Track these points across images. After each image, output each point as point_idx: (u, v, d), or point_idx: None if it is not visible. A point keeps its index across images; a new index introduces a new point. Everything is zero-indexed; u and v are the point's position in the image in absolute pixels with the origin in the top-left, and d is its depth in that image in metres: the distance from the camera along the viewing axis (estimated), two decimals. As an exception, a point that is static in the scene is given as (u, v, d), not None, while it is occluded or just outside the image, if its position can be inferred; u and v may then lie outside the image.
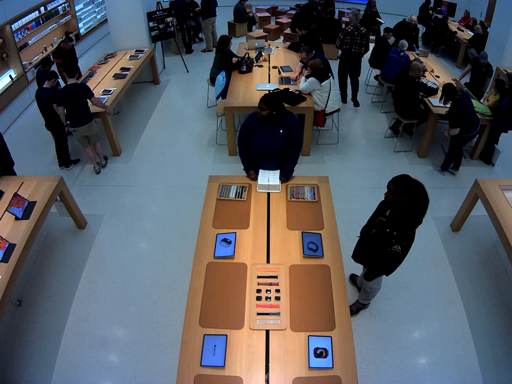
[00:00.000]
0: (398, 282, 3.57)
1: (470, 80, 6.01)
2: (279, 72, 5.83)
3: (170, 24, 7.58)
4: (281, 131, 3.24)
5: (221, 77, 5.38)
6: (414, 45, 7.59)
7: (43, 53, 7.56)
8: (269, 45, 7.09)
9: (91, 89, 4.60)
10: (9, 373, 2.94)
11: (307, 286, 2.54)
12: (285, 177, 3.41)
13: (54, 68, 5.80)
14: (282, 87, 5.33)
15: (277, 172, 3.43)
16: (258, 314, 2.37)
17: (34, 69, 6.93)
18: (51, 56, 7.50)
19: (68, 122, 4.61)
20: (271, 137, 3.26)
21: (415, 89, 5.00)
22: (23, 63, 6.74)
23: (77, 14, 8.83)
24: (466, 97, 4.41)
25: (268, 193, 3.31)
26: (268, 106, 3.11)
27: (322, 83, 4.90)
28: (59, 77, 4.91)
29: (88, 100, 4.55)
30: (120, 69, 6.17)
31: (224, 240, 2.85)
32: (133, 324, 3.28)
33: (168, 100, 7.01)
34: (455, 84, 5.76)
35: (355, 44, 6.13)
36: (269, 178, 3.37)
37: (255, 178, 3.42)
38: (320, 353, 2.17)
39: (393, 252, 2.50)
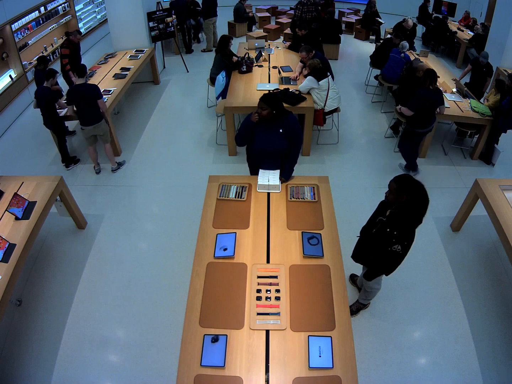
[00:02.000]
0: (398, 282, 3.57)
1: (470, 80, 6.00)
2: (279, 72, 5.84)
3: (170, 24, 7.58)
4: (280, 130, 3.24)
5: (221, 77, 5.39)
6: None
7: (43, 53, 7.56)
8: (269, 45, 7.10)
9: (100, 91, 4.57)
10: (9, 373, 2.94)
11: (307, 286, 2.54)
12: (285, 177, 3.41)
13: (55, 67, 5.81)
14: (282, 87, 5.33)
15: (277, 172, 3.42)
16: (258, 314, 2.37)
17: (34, 69, 6.94)
18: (50, 56, 7.53)
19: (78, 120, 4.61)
20: (271, 137, 3.26)
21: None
22: (23, 63, 6.73)
23: (77, 14, 8.83)
24: (437, 93, 4.39)
25: (268, 193, 3.31)
26: (268, 106, 3.11)
27: (320, 82, 4.92)
28: (59, 72, 4.87)
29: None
30: (120, 69, 6.17)
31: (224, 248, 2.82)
32: (133, 324, 3.28)
33: (168, 100, 7.01)
34: (455, 84, 5.78)
35: (309, 12, 8.25)
36: (269, 178, 3.37)
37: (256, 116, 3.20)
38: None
39: (393, 251, 2.50)
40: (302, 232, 2.91)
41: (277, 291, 2.49)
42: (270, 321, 2.33)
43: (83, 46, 9.10)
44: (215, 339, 2.22)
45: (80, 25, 9.07)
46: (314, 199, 3.24)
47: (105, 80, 5.84)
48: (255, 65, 6.09)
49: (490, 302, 3.46)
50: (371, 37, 10.13)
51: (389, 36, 7.15)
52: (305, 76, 5.12)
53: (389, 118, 6.26)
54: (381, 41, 7.79)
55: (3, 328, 3.21)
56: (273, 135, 3.26)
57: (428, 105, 4.36)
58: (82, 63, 4.60)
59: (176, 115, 6.48)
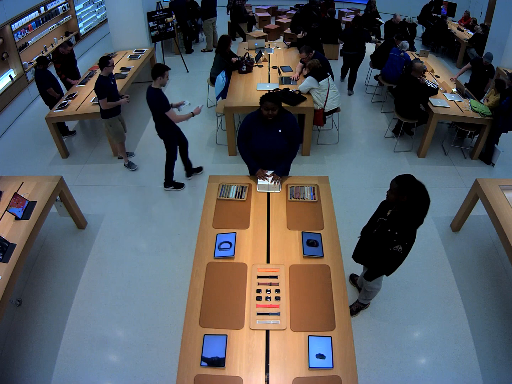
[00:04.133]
0: (398, 282, 3.57)
1: (470, 80, 5.98)
2: (279, 72, 5.84)
3: (170, 24, 7.58)
4: (280, 130, 3.24)
5: (221, 77, 5.39)
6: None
7: (43, 53, 7.56)
8: (269, 45, 7.10)
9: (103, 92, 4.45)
10: (9, 373, 2.94)
11: (307, 286, 2.54)
12: (277, 173, 3.37)
13: (52, 70, 5.82)
14: (282, 87, 5.33)
15: (277, 172, 3.41)
16: (258, 314, 2.37)
17: (34, 69, 6.94)
18: (50, 56, 7.52)
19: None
20: (270, 137, 3.26)
21: (417, 90, 5.00)
22: (23, 63, 6.74)
23: (77, 14, 8.83)
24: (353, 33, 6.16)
25: (268, 193, 3.31)
26: (276, 104, 3.10)
27: (320, 82, 4.92)
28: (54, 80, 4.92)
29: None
30: (120, 69, 6.17)
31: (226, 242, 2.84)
32: (133, 324, 3.28)
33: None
34: (455, 84, 5.78)
35: None
36: (269, 178, 3.37)
37: (265, 175, 3.38)
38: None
39: (394, 252, 2.50)
40: (302, 232, 2.91)
41: (277, 291, 2.49)
42: (270, 321, 2.33)
43: (83, 47, 9.15)
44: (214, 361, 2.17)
45: (80, 25, 9.07)
46: (314, 199, 3.24)
47: (105, 80, 5.83)
48: (255, 65, 6.09)
49: (490, 302, 3.46)
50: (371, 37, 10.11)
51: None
52: (305, 76, 5.13)
53: (389, 118, 6.26)
54: (381, 41, 7.79)
55: (3, 328, 3.21)
56: (273, 135, 3.26)
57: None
58: (103, 56, 4.54)
59: (176, 115, 6.46)
